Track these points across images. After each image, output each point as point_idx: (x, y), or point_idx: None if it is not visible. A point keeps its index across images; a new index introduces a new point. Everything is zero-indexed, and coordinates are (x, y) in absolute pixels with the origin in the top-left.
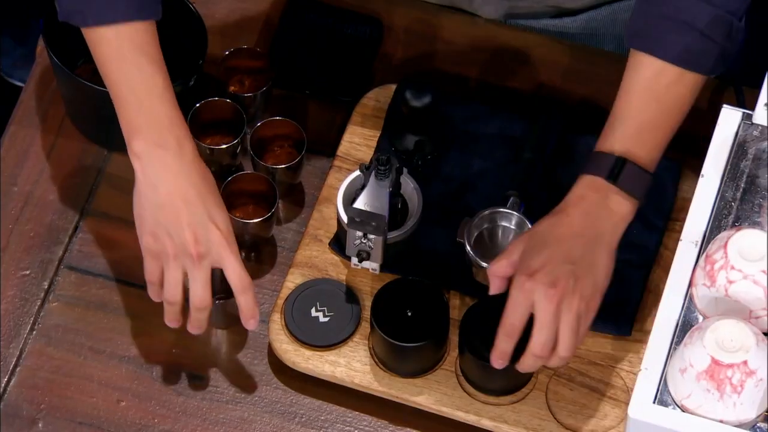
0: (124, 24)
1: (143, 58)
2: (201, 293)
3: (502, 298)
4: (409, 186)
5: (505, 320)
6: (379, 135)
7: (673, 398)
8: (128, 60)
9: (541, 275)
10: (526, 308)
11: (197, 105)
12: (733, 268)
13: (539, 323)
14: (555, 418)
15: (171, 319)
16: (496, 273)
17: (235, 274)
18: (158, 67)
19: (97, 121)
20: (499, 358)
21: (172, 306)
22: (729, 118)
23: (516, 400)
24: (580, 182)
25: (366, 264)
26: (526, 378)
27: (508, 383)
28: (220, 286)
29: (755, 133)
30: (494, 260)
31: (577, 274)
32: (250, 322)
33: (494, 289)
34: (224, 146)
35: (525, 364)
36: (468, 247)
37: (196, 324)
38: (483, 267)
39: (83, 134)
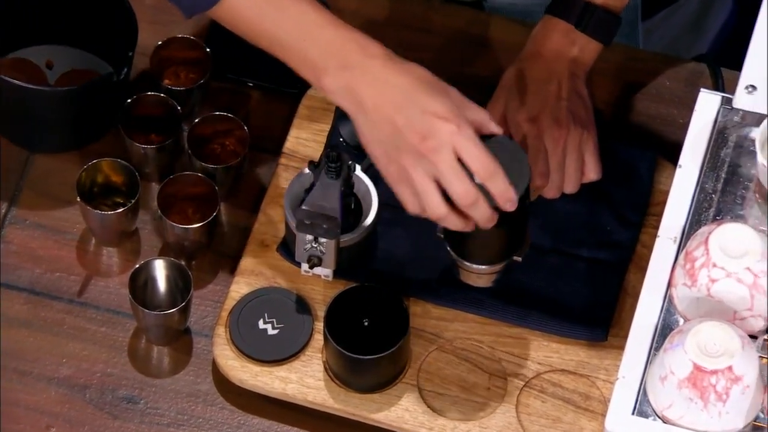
0: None
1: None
2: (460, 188)
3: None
4: (362, 184)
5: (534, 168)
6: (328, 129)
7: (653, 409)
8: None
9: (544, 118)
10: (543, 152)
11: (128, 101)
12: (715, 265)
13: (553, 165)
14: None
15: (481, 217)
16: (487, 123)
17: (476, 160)
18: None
19: (18, 119)
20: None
21: (447, 215)
22: (707, 103)
23: (484, 415)
24: (546, 24)
25: (318, 270)
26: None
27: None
28: (158, 298)
29: (736, 118)
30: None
31: (571, 109)
32: (507, 205)
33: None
34: (159, 145)
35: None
36: (448, 247)
37: (483, 221)
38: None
39: (2, 134)
